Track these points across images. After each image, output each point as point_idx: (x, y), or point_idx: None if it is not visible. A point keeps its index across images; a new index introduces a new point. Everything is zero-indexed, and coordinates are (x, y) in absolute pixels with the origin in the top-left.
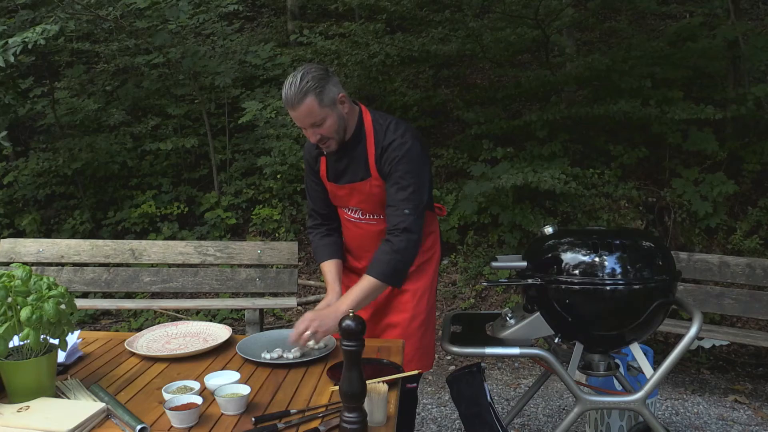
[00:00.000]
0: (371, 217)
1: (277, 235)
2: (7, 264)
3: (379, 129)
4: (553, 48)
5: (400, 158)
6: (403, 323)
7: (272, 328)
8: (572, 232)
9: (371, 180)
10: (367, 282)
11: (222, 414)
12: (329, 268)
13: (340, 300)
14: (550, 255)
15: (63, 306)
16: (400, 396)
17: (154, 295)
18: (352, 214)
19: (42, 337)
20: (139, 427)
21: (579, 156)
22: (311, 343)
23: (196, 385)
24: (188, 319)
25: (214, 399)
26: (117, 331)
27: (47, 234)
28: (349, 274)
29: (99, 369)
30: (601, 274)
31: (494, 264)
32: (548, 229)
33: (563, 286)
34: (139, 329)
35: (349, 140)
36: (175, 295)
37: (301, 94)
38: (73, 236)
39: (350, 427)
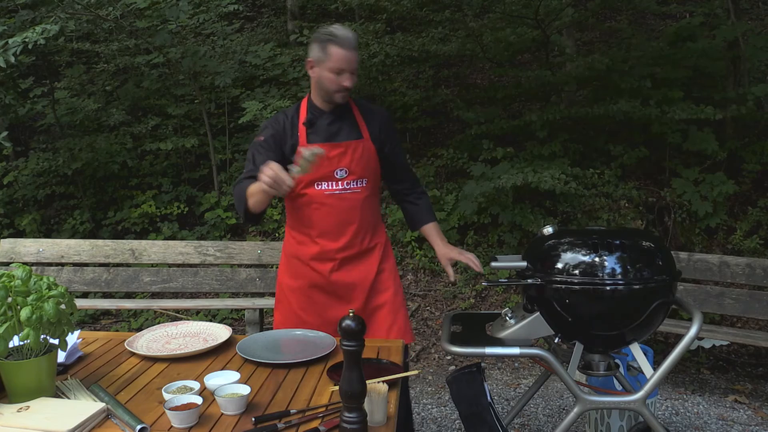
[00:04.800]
0: (357, 184)
1: (277, 235)
2: (7, 264)
3: (354, 97)
4: (553, 48)
5: (391, 126)
6: (390, 299)
7: (272, 328)
8: (572, 232)
9: (363, 141)
10: (435, 225)
11: (222, 414)
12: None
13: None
14: (549, 255)
15: (63, 306)
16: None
17: (154, 295)
18: (335, 186)
19: (42, 337)
20: (139, 427)
21: (579, 156)
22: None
23: (196, 385)
24: (188, 319)
25: (214, 399)
26: (117, 331)
27: (47, 234)
28: (312, 264)
29: (99, 369)
30: (601, 274)
31: (494, 264)
32: (548, 229)
33: (563, 286)
34: (139, 329)
35: (343, 103)
36: (175, 295)
37: (356, 41)
38: (73, 236)
39: (350, 427)
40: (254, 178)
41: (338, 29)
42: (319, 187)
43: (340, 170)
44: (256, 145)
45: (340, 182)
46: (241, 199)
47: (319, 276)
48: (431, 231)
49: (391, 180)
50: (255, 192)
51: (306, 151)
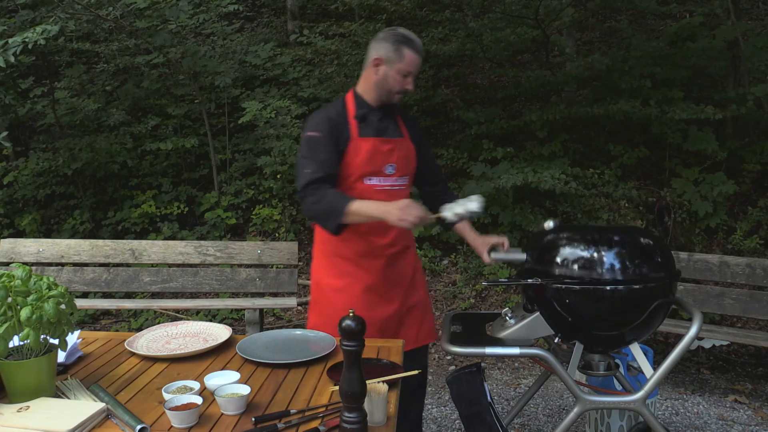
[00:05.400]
0: (401, 181)
1: (277, 235)
2: (7, 264)
3: None
4: (553, 48)
5: (420, 130)
6: (422, 299)
7: (272, 328)
8: (572, 227)
9: (405, 141)
10: (468, 221)
11: (222, 414)
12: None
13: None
14: (549, 249)
15: (63, 306)
16: (397, 391)
17: (154, 295)
18: (384, 182)
19: (42, 337)
20: (139, 427)
21: (579, 156)
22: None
23: (196, 385)
24: (188, 319)
25: (214, 399)
26: (117, 331)
27: (47, 234)
28: (360, 262)
29: (99, 369)
30: (600, 270)
31: (494, 255)
32: (549, 224)
33: (563, 286)
34: (139, 329)
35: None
36: (175, 295)
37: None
38: (73, 236)
39: (350, 427)
40: (325, 179)
41: (410, 33)
42: (369, 181)
43: (390, 166)
44: (314, 141)
45: (389, 178)
46: (335, 213)
47: (368, 274)
48: (466, 226)
49: (425, 182)
50: (364, 213)
51: (473, 204)
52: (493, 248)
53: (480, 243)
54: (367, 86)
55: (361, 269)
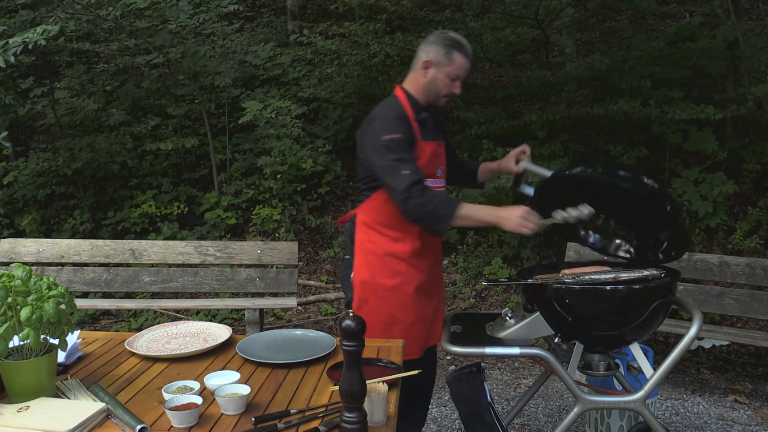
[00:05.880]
0: (444, 182)
1: (277, 235)
2: (7, 264)
3: None
4: (553, 48)
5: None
6: (443, 297)
7: (272, 328)
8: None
9: (444, 142)
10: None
11: (222, 414)
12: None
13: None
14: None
15: (63, 306)
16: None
17: (154, 295)
18: (434, 184)
19: (42, 337)
20: (139, 427)
21: (579, 156)
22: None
23: (196, 385)
24: (188, 319)
25: (214, 399)
26: (117, 331)
27: (47, 234)
28: (413, 261)
29: (99, 369)
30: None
31: (522, 164)
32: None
33: (563, 286)
34: (139, 329)
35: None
36: (175, 295)
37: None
38: (73, 236)
39: (350, 427)
40: (422, 180)
41: (460, 37)
42: (428, 180)
43: (440, 168)
44: (399, 142)
45: (438, 179)
46: (445, 215)
47: (419, 273)
48: (487, 164)
49: (451, 175)
50: (475, 218)
51: (586, 209)
52: (518, 161)
53: (504, 160)
54: (416, 88)
55: (413, 268)
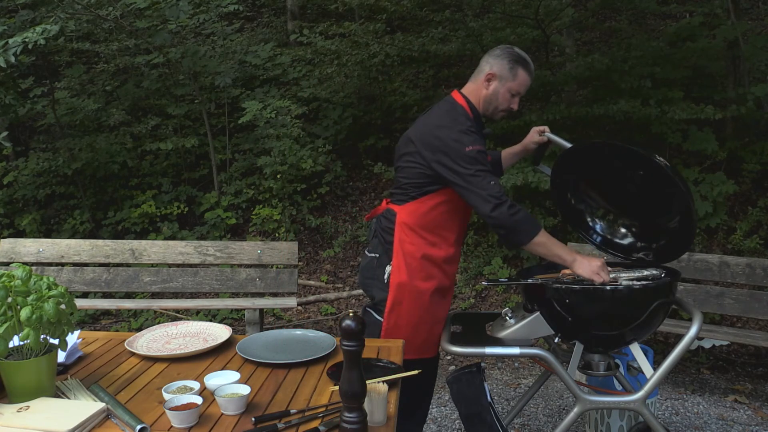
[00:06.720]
0: None
1: (277, 235)
2: (7, 264)
3: None
4: (553, 48)
5: None
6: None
7: (272, 328)
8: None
9: None
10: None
11: (222, 414)
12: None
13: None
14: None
15: (63, 306)
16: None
17: (154, 295)
18: None
19: (42, 337)
20: (139, 427)
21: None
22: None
23: (196, 385)
24: (188, 319)
25: (214, 399)
26: (117, 331)
27: (47, 234)
28: (444, 266)
29: (99, 369)
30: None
31: (547, 134)
32: None
33: (563, 286)
34: (139, 329)
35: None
36: (175, 295)
37: None
38: (73, 236)
39: (350, 427)
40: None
41: (525, 54)
42: None
43: None
44: (484, 154)
45: None
46: (528, 232)
47: (446, 277)
48: (506, 150)
49: None
50: (550, 249)
51: (645, 273)
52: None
53: (526, 138)
54: (476, 98)
55: (443, 273)
